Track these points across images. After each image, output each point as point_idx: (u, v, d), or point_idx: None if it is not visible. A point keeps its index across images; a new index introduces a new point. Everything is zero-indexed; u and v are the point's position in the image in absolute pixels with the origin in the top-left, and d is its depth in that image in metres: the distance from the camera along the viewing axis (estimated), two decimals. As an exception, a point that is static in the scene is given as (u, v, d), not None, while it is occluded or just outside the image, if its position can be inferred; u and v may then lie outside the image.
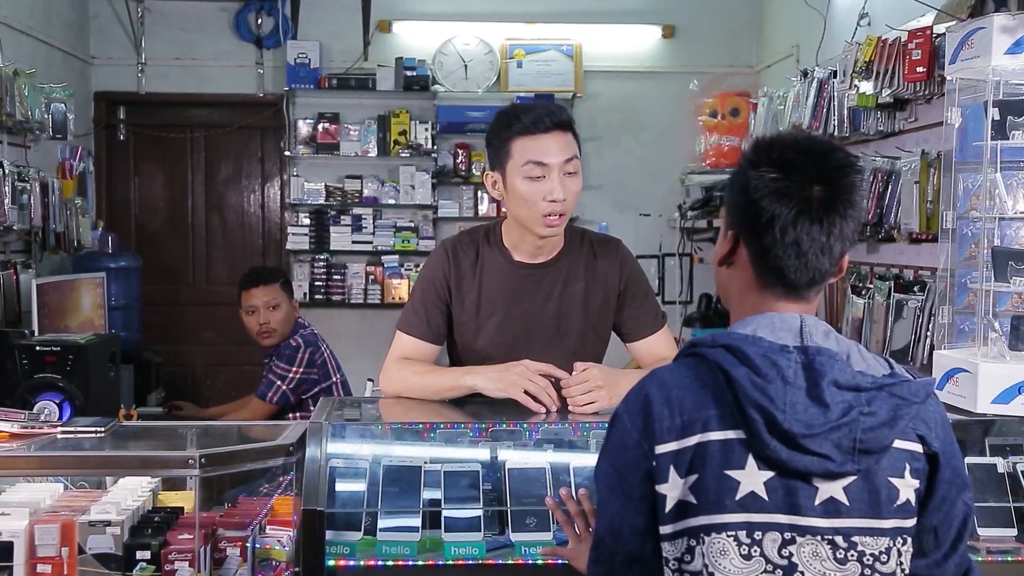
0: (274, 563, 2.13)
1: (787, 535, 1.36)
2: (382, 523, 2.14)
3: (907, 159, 3.88)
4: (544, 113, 2.36)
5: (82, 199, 5.30)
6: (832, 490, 1.37)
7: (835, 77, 4.44)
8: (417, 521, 2.14)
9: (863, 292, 4.19)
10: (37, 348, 3.32)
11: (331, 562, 2.04)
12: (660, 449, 1.40)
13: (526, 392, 2.29)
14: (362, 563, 2.07)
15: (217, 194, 6.59)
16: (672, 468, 1.39)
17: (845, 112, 4.34)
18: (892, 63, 3.87)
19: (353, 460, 2.24)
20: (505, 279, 2.48)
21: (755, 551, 1.37)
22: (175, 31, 6.33)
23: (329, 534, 2.05)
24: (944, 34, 3.30)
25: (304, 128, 6.33)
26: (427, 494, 2.18)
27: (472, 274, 2.49)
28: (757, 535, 1.37)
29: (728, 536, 1.37)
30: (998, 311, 2.70)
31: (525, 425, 2.34)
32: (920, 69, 3.69)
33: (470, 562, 2.09)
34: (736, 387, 1.37)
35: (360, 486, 2.19)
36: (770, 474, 1.37)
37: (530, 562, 2.09)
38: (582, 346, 2.49)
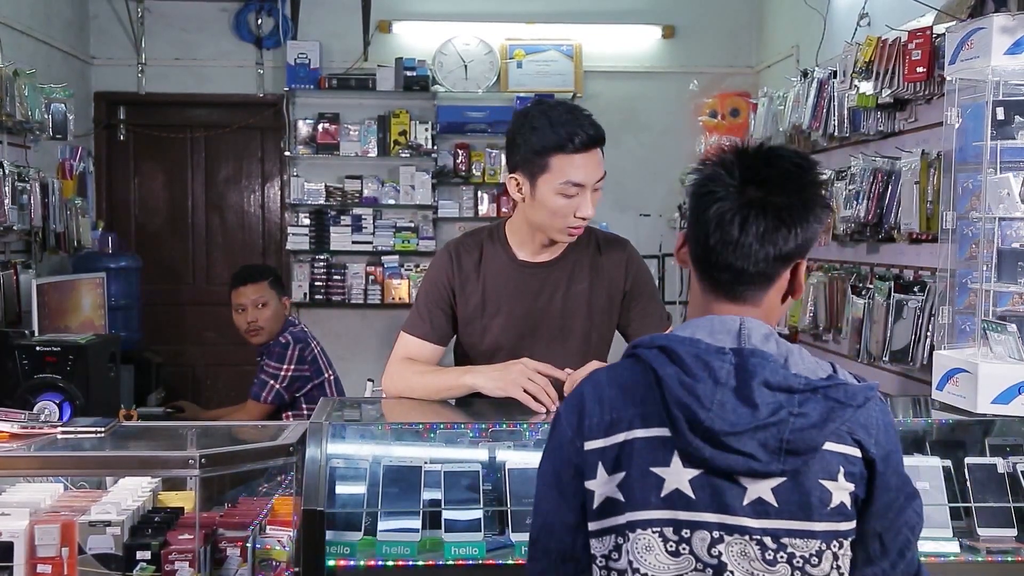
0: (274, 563, 2.13)
1: (716, 534, 1.36)
2: (382, 523, 2.14)
3: (907, 159, 3.88)
4: (580, 127, 2.31)
5: (82, 199, 5.29)
6: (760, 490, 1.36)
7: (835, 77, 4.44)
8: (417, 522, 2.14)
9: (863, 292, 4.19)
10: (37, 348, 3.32)
11: (331, 562, 2.04)
12: (589, 446, 1.42)
13: (525, 391, 2.29)
14: (362, 563, 2.07)
15: (217, 194, 6.59)
16: (600, 465, 1.41)
17: (845, 112, 4.34)
18: (892, 63, 3.87)
19: (353, 460, 2.24)
20: (509, 278, 2.48)
21: (684, 548, 1.37)
22: (175, 31, 6.33)
23: (329, 534, 2.05)
24: (944, 34, 3.30)
25: (304, 128, 6.33)
26: (427, 494, 2.19)
27: (476, 274, 2.49)
28: (685, 533, 1.37)
29: (653, 532, 1.37)
30: (998, 311, 2.70)
31: (525, 425, 2.34)
32: (920, 69, 3.69)
33: (470, 562, 2.09)
34: (663, 386, 1.38)
35: (360, 486, 2.19)
36: (696, 472, 1.37)
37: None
38: (587, 345, 2.49)
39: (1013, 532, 2.24)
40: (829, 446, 1.38)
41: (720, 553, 1.36)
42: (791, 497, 1.36)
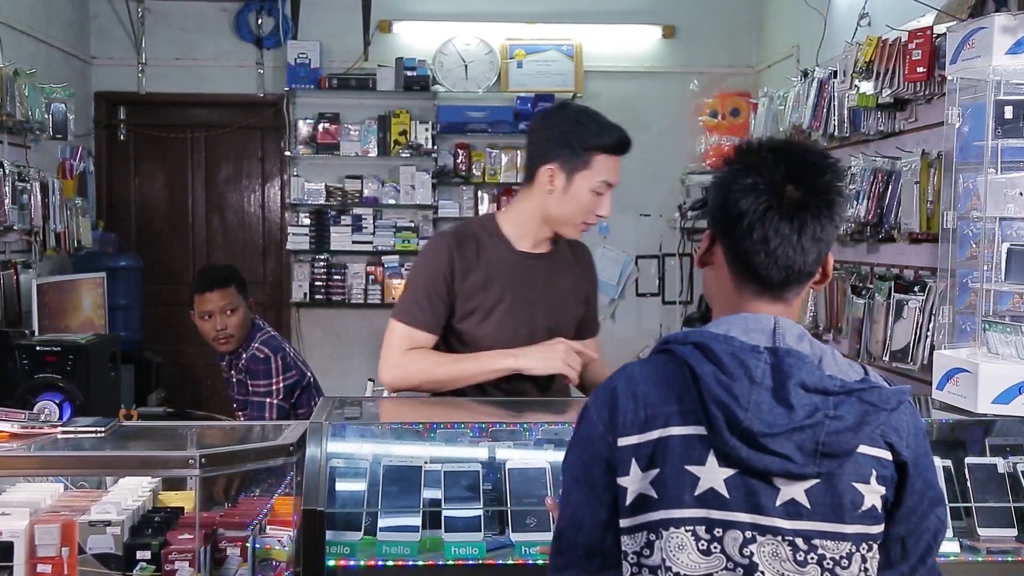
0: (274, 563, 2.13)
1: (748, 534, 1.36)
2: (382, 523, 2.14)
3: (907, 159, 3.88)
4: (623, 136, 2.47)
5: (82, 199, 5.30)
6: (794, 492, 1.36)
7: (835, 77, 4.44)
8: (417, 521, 2.14)
9: (863, 292, 4.19)
10: (37, 348, 3.32)
11: (331, 562, 2.04)
12: (622, 442, 1.41)
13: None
14: (362, 563, 2.07)
15: (217, 194, 6.59)
16: (633, 461, 1.40)
17: (845, 112, 4.33)
18: (892, 63, 3.86)
19: (353, 460, 2.24)
20: (510, 267, 2.53)
21: (715, 547, 1.37)
22: (175, 31, 6.33)
23: (329, 534, 2.05)
24: (944, 34, 3.30)
25: (304, 128, 6.33)
26: (427, 494, 2.18)
27: (476, 263, 2.51)
28: (718, 532, 1.37)
29: (686, 531, 1.37)
30: (999, 311, 2.70)
31: (525, 425, 2.35)
32: (920, 69, 3.69)
33: (470, 562, 2.09)
34: (700, 384, 1.38)
35: (360, 486, 2.19)
36: (731, 472, 1.37)
37: (530, 562, 2.09)
38: (570, 336, 2.58)
39: (1013, 532, 2.24)
40: (862, 449, 1.38)
41: (752, 553, 1.36)
42: (824, 499, 1.37)
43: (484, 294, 2.50)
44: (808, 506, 1.36)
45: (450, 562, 2.09)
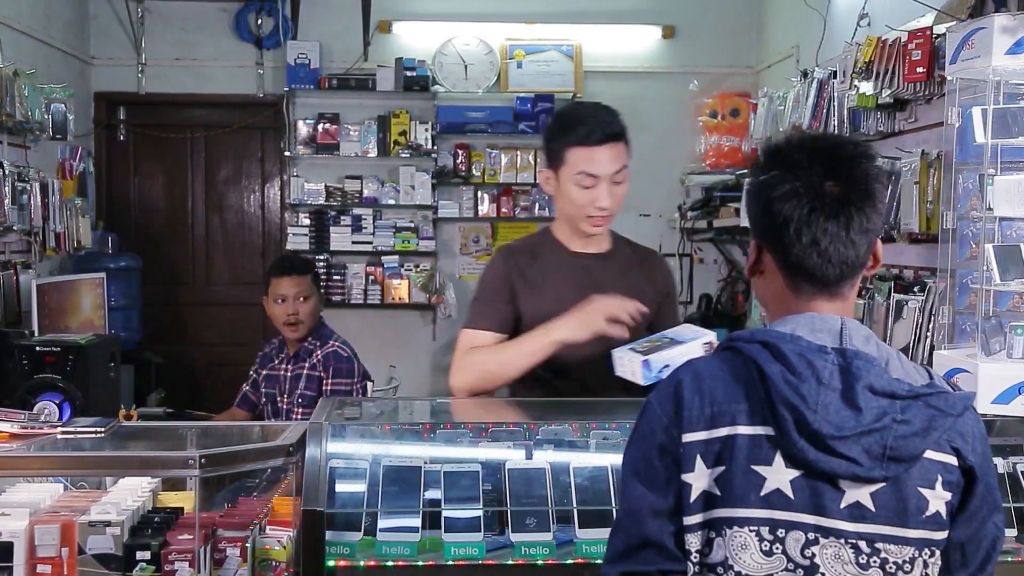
0: (274, 563, 2.13)
1: (811, 535, 1.36)
2: (382, 523, 2.14)
3: (907, 159, 3.88)
4: (598, 125, 2.49)
5: (82, 199, 5.29)
6: (859, 495, 1.36)
7: (835, 77, 4.44)
8: (417, 521, 2.14)
9: (863, 292, 4.18)
10: (37, 348, 3.32)
11: (331, 562, 2.04)
12: (687, 437, 1.40)
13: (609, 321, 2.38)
14: (362, 563, 2.07)
15: (217, 194, 6.59)
16: (699, 458, 1.40)
17: (845, 112, 4.33)
18: (892, 63, 3.86)
19: (353, 460, 2.24)
20: (568, 269, 2.57)
21: (777, 548, 1.37)
22: (175, 31, 6.33)
23: (329, 534, 2.05)
24: (944, 34, 3.30)
25: (304, 128, 6.33)
26: (427, 494, 2.18)
27: (534, 268, 2.57)
28: (780, 532, 1.37)
29: (750, 531, 1.37)
30: (999, 311, 2.70)
31: (525, 425, 2.35)
32: (920, 69, 3.69)
33: (470, 562, 2.09)
34: (768, 383, 1.37)
35: (360, 486, 2.19)
36: (797, 473, 1.37)
37: (530, 562, 2.09)
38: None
39: (1013, 532, 2.24)
40: (929, 454, 1.38)
41: (813, 555, 1.36)
42: (889, 503, 1.36)
43: (544, 299, 2.52)
44: (872, 509, 1.36)
45: (450, 562, 2.09)
